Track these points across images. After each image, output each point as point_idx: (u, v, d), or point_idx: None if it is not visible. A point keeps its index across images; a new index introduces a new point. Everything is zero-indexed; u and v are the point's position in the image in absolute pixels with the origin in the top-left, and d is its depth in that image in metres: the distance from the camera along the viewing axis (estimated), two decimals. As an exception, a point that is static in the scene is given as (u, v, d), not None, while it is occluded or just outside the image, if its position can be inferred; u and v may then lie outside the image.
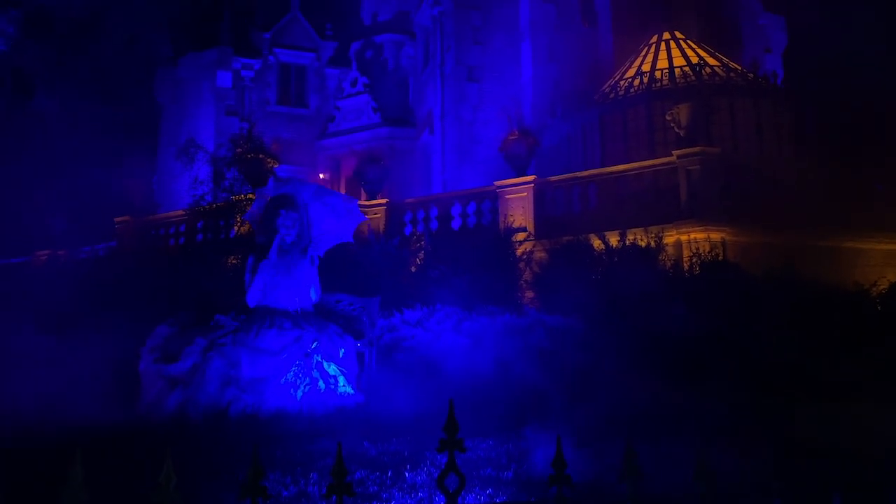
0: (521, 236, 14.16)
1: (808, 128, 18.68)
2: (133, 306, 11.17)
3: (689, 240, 12.96)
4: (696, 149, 13.71)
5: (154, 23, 31.24)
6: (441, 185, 23.98)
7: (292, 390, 7.43)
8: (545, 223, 14.86)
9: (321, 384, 7.57)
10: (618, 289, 10.62)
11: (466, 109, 23.85)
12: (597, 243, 12.63)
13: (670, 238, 13.02)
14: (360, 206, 14.74)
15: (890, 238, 14.35)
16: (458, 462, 2.54)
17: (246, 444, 5.93)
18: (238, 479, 4.95)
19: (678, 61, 20.10)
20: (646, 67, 20.37)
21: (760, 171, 14.89)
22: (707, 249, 12.31)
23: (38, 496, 4.76)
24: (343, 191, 28.78)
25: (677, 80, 19.16)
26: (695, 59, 20.02)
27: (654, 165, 14.58)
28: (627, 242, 12.44)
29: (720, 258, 12.07)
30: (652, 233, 12.61)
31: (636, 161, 15.74)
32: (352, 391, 7.76)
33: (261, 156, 17.00)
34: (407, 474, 5.20)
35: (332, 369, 7.71)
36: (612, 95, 20.03)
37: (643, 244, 12.35)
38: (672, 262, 12.27)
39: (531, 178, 15.30)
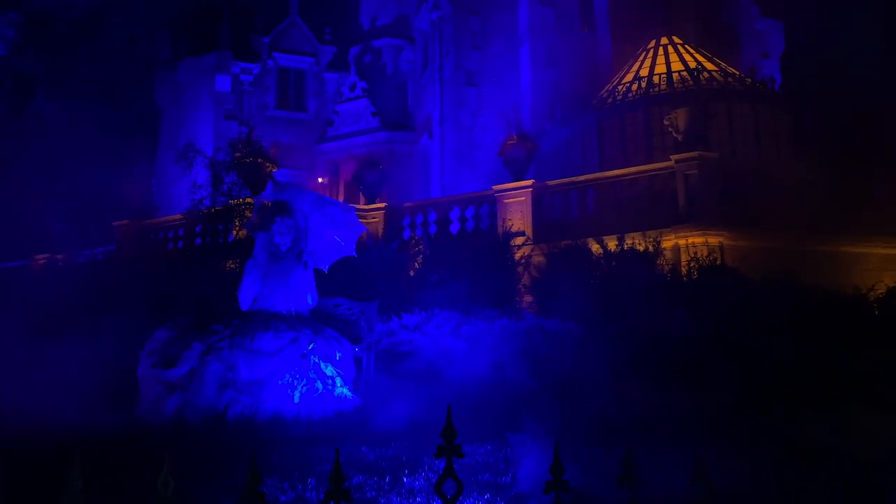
0: (519, 240, 14.17)
1: (806, 132, 18.73)
2: (132, 310, 11.17)
3: (687, 244, 12.98)
4: (694, 153, 13.74)
5: (153, 26, 31.29)
6: (440, 189, 24.00)
7: (290, 392, 7.44)
8: (543, 227, 14.87)
9: (318, 385, 7.57)
10: (616, 293, 10.64)
11: (465, 114, 23.89)
12: (595, 248, 12.65)
13: (668, 242, 13.04)
14: (359, 210, 14.80)
15: (888, 242, 14.38)
16: (456, 467, 2.55)
17: (244, 447, 5.93)
18: (236, 483, 4.96)
19: (676, 66, 20.15)
20: (644, 72, 20.42)
21: (758, 176, 14.92)
22: (705, 254, 12.33)
23: (37, 499, 4.75)
24: (342, 195, 28.80)
25: (675, 85, 19.20)
26: (693, 64, 20.07)
27: (653, 170, 14.61)
28: (626, 247, 12.46)
29: (718, 262, 12.09)
30: (650, 237, 12.63)
31: (634, 166, 15.77)
32: (349, 394, 7.77)
33: (259, 160, 17.00)
34: (405, 479, 5.20)
35: (329, 371, 7.72)
36: (610, 100, 20.07)
37: (641, 248, 12.37)
38: (670, 266, 12.29)
39: (529, 182, 15.32)
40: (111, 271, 15.41)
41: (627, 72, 21.09)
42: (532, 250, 13.93)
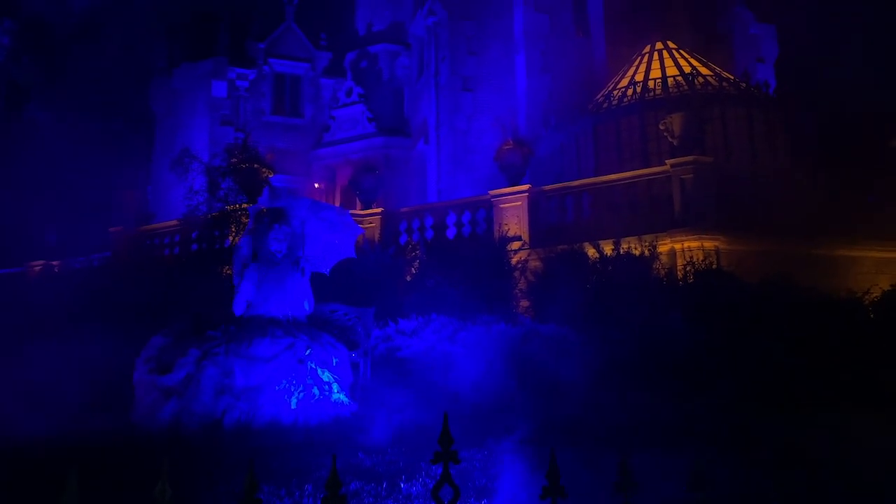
0: (515, 245, 14.19)
1: (801, 136, 18.79)
2: (128, 316, 11.15)
3: (683, 248, 13.01)
4: (690, 158, 13.78)
5: (149, 33, 31.29)
6: (436, 194, 24.02)
7: (286, 398, 7.42)
8: (540, 232, 14.89)
9: (315, 391, 7.56)
10: (612, 297, 10.65)
11: (461, 119, 23.93)
12: (591, 252, 12.67)
13: (664, 246, 13.06)
14: (355, 215, 14.80)
15: (883, 246, 14.43)
16: (453, 473, 2.56)
17: (241, 453, 5.92)
18: (234, 490, 4.95)
19: (671, 71, 20.22)
20: (639, 77, 20.48)
21: (753, 180, 14.97)
22: (701, 258, 12.35)
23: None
24: (338, 200, 28.81)
25: (670, 90, 19.27)
26: (687, 69, 20.14)
27: (648, 174, 14.64)
28: (622, 251, 12.47)
29: (714, 266, 12.11)
30: (646, 241, 12.65)
31: (630, 170, 15.80)
32: (346, 400, 7.76)
33: (256, 166, 17.01)
34: (402, 485, 5.20)
35: (325, 376, 7.71)
36: (605, 105, 20.12)
37: (637, 253, 12.39)
38: (666, 270, 12.31)
39: (525, 187, 15.35)
40: (107, 278, 15.37)
41: (623, 77, 21.16)
42: (528, 255, 13.94)
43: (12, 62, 31.93)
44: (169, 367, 7.67)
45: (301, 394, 7.48)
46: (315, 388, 7.58)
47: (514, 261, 13.48)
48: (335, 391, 7.71)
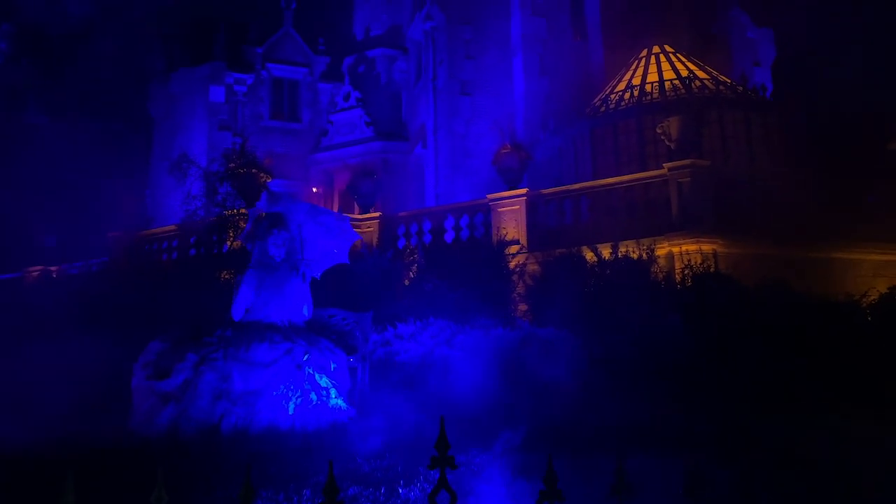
0: (513, 249, 14.19)
1: (798, 139, 18.82)
2: (126, 322, 11.15)
3: (680, 252, 13.02)
4: (687, 161, 13.79)
5: (147, 38, 31.32)
6: (434, 198, 24.04)
7: (284, 403, 7.42)
8: (538, 236, 14.90)
9: (313, 396, 7.56)
10: (610, 301, 10.66)
11: (459, 123, 23.96)
12: (589, 256, 12.68)
13: (662, 250, 13.07)
14: (353, 219, 14.80)
15: (880, 249, 14.44)
16: (450, 478, 2.56)
17: (239, 459, 5.91)
18: (231, 495, 4.94)
19: (668, 74, 20.26)
20: (636, 81, 20.52)
21: (751, 183, 14.98)
22: (699, 261, 12.36)
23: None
24: (336, 205, 28.82)
25: (667, 94, 19.30)
26: (685, 73, 20.18)
27: (646, 178, 14.66)
28: (620, 255, 12.48)
29: (712, 270, 12.12)
30: (644, 245, 12.66)
31: (628, 174, 15.82)
32: (344, 405, 7.76)
33: (254, 170, 17.01)
34: (400, 490, 5.20)
35: (323, 382, 7.71)
36: (603, 109, 20.15)
37: (635, 256, 12.40)
38: (664, 274, 12.31)
39: (523, 191, 15.36)
40: (105, 283, 15.37)
41: (620, 80, 21.20)
42: (527, 259, 13.94)
43: (10, 66, 31.94)
44: (167, 372, 7.67)
45: (299, 399, 7.48)
46: (313, 393, 7.58)
47: (512, 264, 13.48)
48: (333, 396, 7.71)
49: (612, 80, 21.83)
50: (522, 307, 12.53)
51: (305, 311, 8.26)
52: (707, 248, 13.04)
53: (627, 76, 21.06)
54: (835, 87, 22.66)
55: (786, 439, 6.26)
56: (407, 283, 13.23)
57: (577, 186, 15.71)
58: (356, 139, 29.59)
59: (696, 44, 22.94)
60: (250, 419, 7.22)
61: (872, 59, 25.05)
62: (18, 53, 32.35)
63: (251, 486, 2.29)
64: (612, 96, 20.50)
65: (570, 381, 8.21)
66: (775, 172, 17.22)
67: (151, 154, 30.58)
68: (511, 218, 15.17)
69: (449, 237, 15.93)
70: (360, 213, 16.95)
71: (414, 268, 13.77)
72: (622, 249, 12.59)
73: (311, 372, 7.66)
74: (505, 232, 14.84)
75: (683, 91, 19.09)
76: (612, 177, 15.89)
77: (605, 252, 12.59)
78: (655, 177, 14.39)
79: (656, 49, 21.48)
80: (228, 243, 16.08)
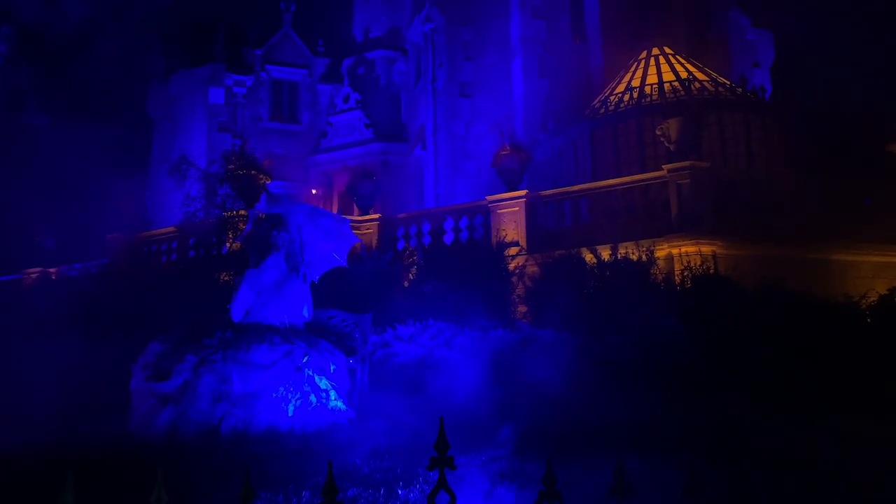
0: (513, 251, 14.19)
1: (797, 141, 18.82)
2: (125, 323, 11.14)
3: (680, 253, 13.02)
4: (686, 163, 13.80)
5: (146, 40, 31.33)
6: (434, 199, 24.04)
7: (284, 405, 7.42)
8: (537, 237, 14.90)
9: (312, 398, 7.56)
10: (610, 302, 10.66)
11: (459, 125, 23.97)
12: (589, 257, 12.68)
13: (662, 252, 13.07)
14: (353, 221, 14.79)
15: (879, 250, 14.44)
16: (449, 479, 2.56)
17: (238, 461, 5.91)
18: (231, 497, 4.94)
19: (667, 76, 20.27)
20: (636, 82, 20.53)
21: (750, 185, 14.99)
22: (698, 263, 12.37)
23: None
24: (335, 206, 28.82)
25: (667, 95, 19.31)
26: (684, 74, 20.19)
27: (645, 180, 14.66)
28: (619, 256, 12.49)
29: (711, 271, 12.12)
30: (643, 246, 12.67)
31: (627, 175, 15.83)
32: (343, 406, 7.75)
33: (253, 172, 17.01)
34: (399, 491, 5.19)
35: (323, 383, 7.70)
36: (602, 110, 20.16)
37: (635, 258, 12.41)
38: (663, 275, 12.32)
39: (523, 192, 15.36)
40: (104, 285, 15.36)
41: (619, 82, 21.21)
42: (526, 260, 13.94)
43: (10, 67, 31.95)
44: (166, 373, 7.66)
45: (298, 401, 7.48)
46: (312, 395, 7.58)
47: (511, 266, 13.48)
48: (332, 398, 7.70)
49: (612, 81, 21.85)
50: (522, 309, 12.53)
51: (305, 313, 8.25)
52: (706, 249, 13.04)
53: (627, 78, 21.07)
54: (834, 88, 22.69)
55: (785, 439, 6.26)
56: (406, 284, 13.23)
57: (576, 188, 15.71)
58: (355, 141, 29.60)
59: (695, 45, 22.97)
60: (250, 421, 7.21)
61: (872, 61, 25.08)
62: (18, 54, 32.36)
63: (251, 488, 2.29)
64: (612, 98, 20.51)
65: (569, 383, 8.20)
66: (775, 174, 17.24)
67: (151, 156, 30.57)
68: (510, 219, 15.17)
69: (448, 239, 15.93)
70: (359, 215, 16.94)
71: (413, 269, 13.77)
72: (622, 251, 12.59)
73: (310, 373, 7.66)
74: (504, 233, 14.83)
75: (683, 93, 19.09)
76: (611, 178, 15.89)
77: (605, 253, 12.59)
78: (655, 178, 14.40)
79: (656, 51, 21.50)
80: (228, 245, 16.07)
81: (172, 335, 8.24)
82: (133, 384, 7.88)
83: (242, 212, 16.09)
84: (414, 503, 4.99)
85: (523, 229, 15.02)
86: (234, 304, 7.98)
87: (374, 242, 16.22)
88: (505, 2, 23.64)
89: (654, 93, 19.69)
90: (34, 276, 20.11)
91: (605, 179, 16.03)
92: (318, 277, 8.57)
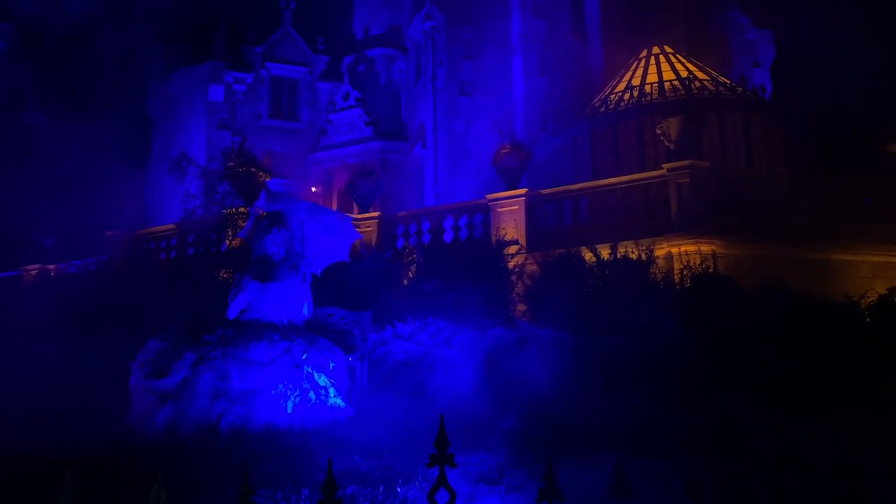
0: (512, 249, 14.18)
1: (797, 141, 18.82)
2: (124, 320, 11.13)
3: (679, 252, 13.01)
4: (686, 162, 13.79)
5: (146, 38, 31.29)
6: (433, 198, 24.03)
7: (283, 402, 7.41)
8: (537, 236, 14.89)
9: (311, 395, 7.55)
10: (609, 301, 10.65)
11: (458, 123, 23.95)
12: (588, 256, 12.67)
13: (661, 251, 13.07)
14: (353, 219, 14.77)
15: (879, 250, 14.44)
16: (449, 477, 2.55)
17: (237, 458, 5.90)
18: (230, 494, 4.93)
19: (668, 75, 20.26)
20: (636, 81, 20.52)
21: (750, 184, 14.99)
22: (698, 262, 12.36)
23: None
24: (335, 204, 28.80)
25: (667, 94, 19.30)
26: (684, 74, 20.18)
27: (645, 179, 14.65)
28: (619, 255, 12.48)
29: (711, 271, 12.12)
30: (643, 245, 12.66)
31: (627, 174, 15.82)
32: (342, 404, 7.74)
33: (252, 169, 17.00)
34: (399, 489, 5.18)
35: (322, 381, 7.70)
36: (602, 109, 20.15)
37: (634, 257, 12.40)
38: (663, 274, 12.31)
39: (523, 191, 15.35)
40: (104, 282, 15.35)
41: (619, 81, 21.20)
42: (525, 259, 13.93)
43: (10, 65, 31.91)
44: (165, 371, 7.66)
45: (297, 398, 7.47)
46: (311, 392, 7.57)
47: (511, 265, 13.47)
48: (331, 395, 7.69)
49: (612, 80, 21.84)
50: (521, 307, 12.52)
51: (305, 311, 8.24)
52: (706, 248, 13.04)
53: (627, 77, 21.06)
54: (834, 88, 22.68)
55: (785, 439, 6.25)
56: (406, 283, 13.22)
57: (576, 187, 15.70)
58: (355, 139, 29.58)
59: (695, 45, 22.95)
60: (249, 418, 7.21)
61: (872, 61, 25.07)
62: (17, 53, 32.32)
63: (250, 486, 2.28)
64: (612, 97, 20.50)
65: (568, 382, 8.19)
66: (775, 173, 17.24)
67: (151, 153, 30.56)
68: (510, 218, 15.16)
69: (448, 237, 15.92)
70: (358, 213, 16.93)
71: (413, 268, 13.76)
72: (621, 250, 12.58)
73: (309, 371, 7.65)
74: (504, 232, 14.83)
75: (683, 92, 19.09)
76: (611, 177, 15.88)
77: (604, 252, 12.58)
78: (655, 177, 14.39)
79: (656, 50, 21.49)
80: (227, 242, 16.07)
81: (171, 332, 8.23)
82: (132, 382, 7.87)
83: (242, 209, 16.08)
84: (413, 501, 4.99)
85: (523, 228, 15.01)
86: (234, 302, 7.98)
87: (374, 241, 16.21)
88: (505, 0, 23.62)
89: (654, 92, 19.68)
90: (33, 272, 20.10)
91: (604, 178, 16.02)
92: (320, 271, 8.56)
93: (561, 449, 5.75)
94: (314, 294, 8.38)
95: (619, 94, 20.40)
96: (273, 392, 7.41)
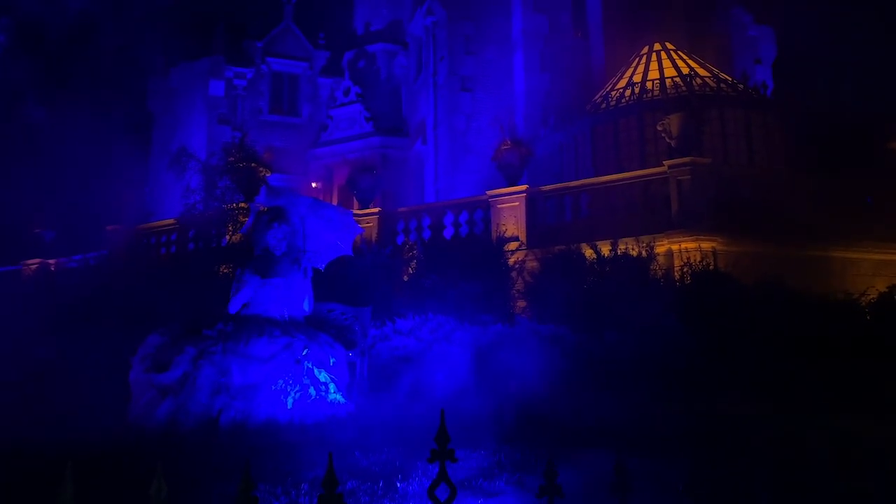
0: (513, 245, 14.18)
1: (799, 138, 18.81)
2: (124, 315, 11.13)
3: (680, 249, 13.01)
4: (687, 159, 13.78)
5: (146, 32, 31.25)
6: (434, 194, 24.01)
7: (283, 397, 7.41)
8: (537, 232, 14.89)
9: (312, 391, 7.55)
10: (609, 298, 10.65)
11: (459, 119, 23.92)
12: (588, 252, 12.66)
13: (661, 247, 13.07)
14: (353, 214, 14.77)
15: (880, 248, 14.44)
16: (449, 472, 2.55)
17: (237, 453, 5.91)
18: (230, 489, 4.93)
19: (669, 72, 20.24)
20: (637, 78, 20.50)
21: (751, 181, 14.97)
22: (698, 259, 12.36)
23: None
24: (335, 200, 28.79)
25: (668, 91, 19.28)
26: (685, 70, 20.15)
27: (646, 175, 14.64)
28: (619, 252, 12.47)
29: (711, 268, 12.12)
30: (643, 242, 12.65)
31: (628, 171, 15.81)
32: (343, 399, 7.75)
33: (253, 164, 16.99)
34: (399, 484, 5.19)
35: (322, 376, 7.70)
36: (603, 106, 20.13)
37: (635, 254, 12.39)
38: (663, 271, 12.31)
39: (523, 187, 15.34)
40: (104, 276, 15.34)
41: (621, 77, 21.17)
42: (526, 255, 13.93)
43: (9, 60, 31.87)
44: (165, 365, 7.65)
45: (298, 393, 7.47)
46: (312, 387, 7.57)
47: (511, 261, 13.47)
48: (332, 391, 7.70)
49: (613, 76, 21.81)
50: (521, 304, 12.52)
51: (306, 306, 8.25)
52: (706, 245, 13.04)
53: (628, 73, 21.04)
54: (835, 85, 22.65)
55: (785, 439, 6.25)
56: (406, 278, 13.22)
57: (577, 183, 15.69)
58: (356, 134, 29.55)
59: (697, 41, 22.92)
60: (249, 413, 7.21)
61: (873, 58, 25.03)
62: (18, 47, 32.27)
63: (250, 479, 2.28)
64: (613, 93, 20.47)
65: (568, 379, 8.20)
66: (775, 171, 17.22)
67: (151, 148, 30.53)
68: (511, 214, 15.16)
69: (448, 233, 15.91)
70: (359, 209, 16.93)
71: (413, 264, 13.76)
72: (622, 247, 12.58)
73: (310, 366, 7.65)
74: (504, 228, 14.82)
75: (684, 88, 19.06)
76: (612, 174, 15.87)
77: (605, 249, 12.58)
78: (655, 174, 14.38)
79: (657, 46, 21.46)
80: (228, 237, 16.07)
81: (172, 327, 8.22)
82: (132, 376, 7.87)
83: (242, 204, 16.07)
84: (413, 496, 4.99)
85: (523, 224, 15.00)
86: (234, 297, 7.98)
87: (374, 236, 16.21)
88: (507, -4, 23.60)
89: (655, 88, 19.66)
90: (33, 267, 20.10)
91: (605, 175, 16.02)
92: (324, 265, 8.57)
93: (561, 447, 5.75)
94: (315, 289, 8.38)
95: (620, 90, 20.38)
96: (273, 387, 7.41)
